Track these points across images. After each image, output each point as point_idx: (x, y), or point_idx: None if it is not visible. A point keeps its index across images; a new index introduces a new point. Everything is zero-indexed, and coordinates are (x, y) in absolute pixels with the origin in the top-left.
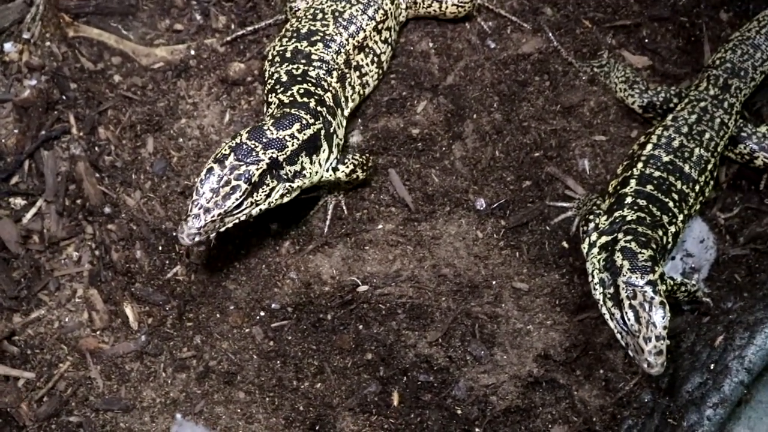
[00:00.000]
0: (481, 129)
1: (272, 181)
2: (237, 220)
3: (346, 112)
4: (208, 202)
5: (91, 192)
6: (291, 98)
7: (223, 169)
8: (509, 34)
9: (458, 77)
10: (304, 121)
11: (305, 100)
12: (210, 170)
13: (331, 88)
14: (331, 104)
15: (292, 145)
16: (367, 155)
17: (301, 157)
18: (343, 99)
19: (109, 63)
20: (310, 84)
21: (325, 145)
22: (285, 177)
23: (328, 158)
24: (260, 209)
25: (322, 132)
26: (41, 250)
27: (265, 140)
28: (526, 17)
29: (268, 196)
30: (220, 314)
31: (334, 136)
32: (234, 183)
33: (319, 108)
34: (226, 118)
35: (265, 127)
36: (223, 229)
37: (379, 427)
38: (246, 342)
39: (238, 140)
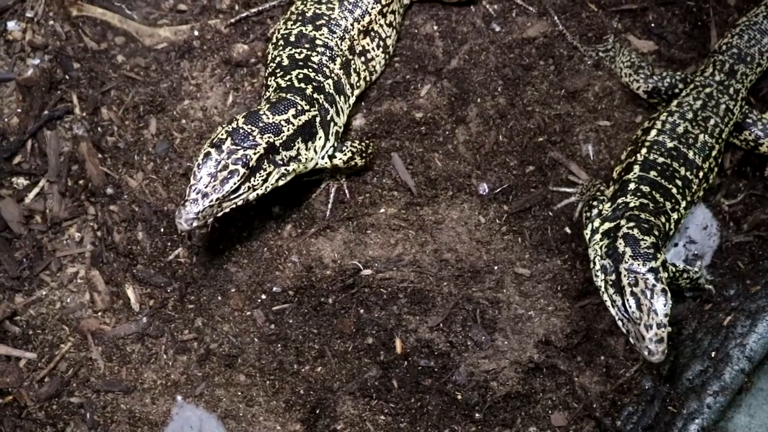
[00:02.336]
0: (484, 113)
1: (269, 166)
2: (234, 205)
3: (351, 100)
4: (205, 187)
5: (94, 173)
6: (288, 83)
7: (220, 153)
8: (514, 17)
9: (462, 61)
10: (299, 107)
11: (302, 85)
12: (207, 155)
13: (333, 75)
14: (331, 91)
15: (288, 131)
16: (367, 142)
17: (297, 143)
18: (347, 86)
19: (112, 43)
20: (310, 70)
21: (321, 132)
22: (281, 162)
23: (324, 145)
24: (257, 194)
25: (318, 119)
26: (43, 231)
27: (261, 124)
28: (532, 0)
29: (265, 180)
30: (221, 297)
31: (332, 124)
32: (231, 167)
33: (315, 95)
34: (229, 99)
35: (261, 112)
36: (220, 214)
37: (379, 411)
38: (247, 325)
39: (234, 125)
